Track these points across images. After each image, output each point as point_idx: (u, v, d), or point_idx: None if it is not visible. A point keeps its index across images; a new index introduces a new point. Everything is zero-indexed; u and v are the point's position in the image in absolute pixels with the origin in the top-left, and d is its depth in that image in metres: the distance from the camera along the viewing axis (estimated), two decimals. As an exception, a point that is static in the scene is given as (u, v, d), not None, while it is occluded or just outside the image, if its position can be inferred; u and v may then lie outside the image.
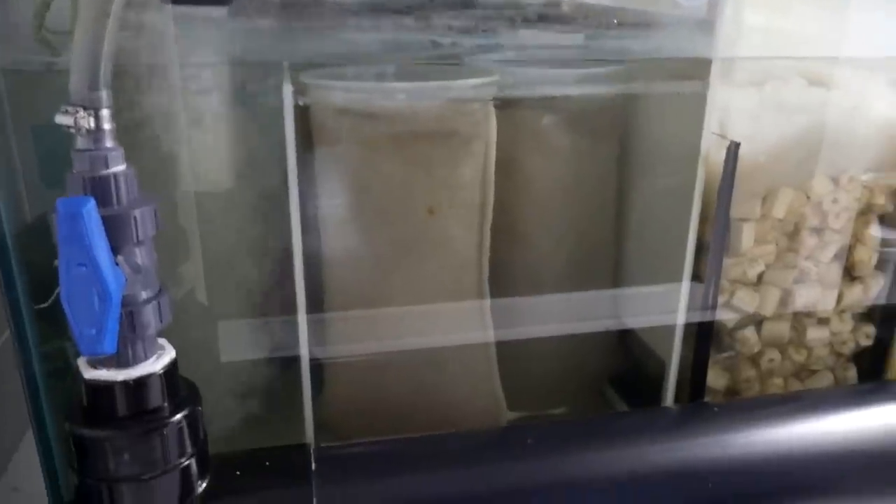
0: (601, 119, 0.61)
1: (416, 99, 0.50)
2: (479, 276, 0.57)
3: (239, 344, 0.57)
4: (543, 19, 0.51)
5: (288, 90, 0.47)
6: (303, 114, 0.52)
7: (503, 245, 0.60)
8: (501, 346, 0.61)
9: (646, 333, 0.65)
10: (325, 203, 0.54)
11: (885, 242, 0.63)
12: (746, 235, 0.58)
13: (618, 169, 0.64)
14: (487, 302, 0.58)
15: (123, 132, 0.40)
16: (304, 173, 0.53)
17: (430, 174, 0.52)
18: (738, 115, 0.59)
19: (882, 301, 0.65)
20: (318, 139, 0.53)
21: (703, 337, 0.60)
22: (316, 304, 0.58)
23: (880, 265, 0.64)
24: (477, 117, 0.52)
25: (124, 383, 0.40)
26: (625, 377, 0.71)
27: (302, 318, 0.52)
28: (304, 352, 0.53)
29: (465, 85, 0.51)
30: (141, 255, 0.40)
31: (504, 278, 0.61)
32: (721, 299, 0.60)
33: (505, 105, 0.55)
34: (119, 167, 0.38)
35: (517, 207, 0.61)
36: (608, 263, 0.67)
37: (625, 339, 0.69)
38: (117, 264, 0.37)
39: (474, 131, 0.53)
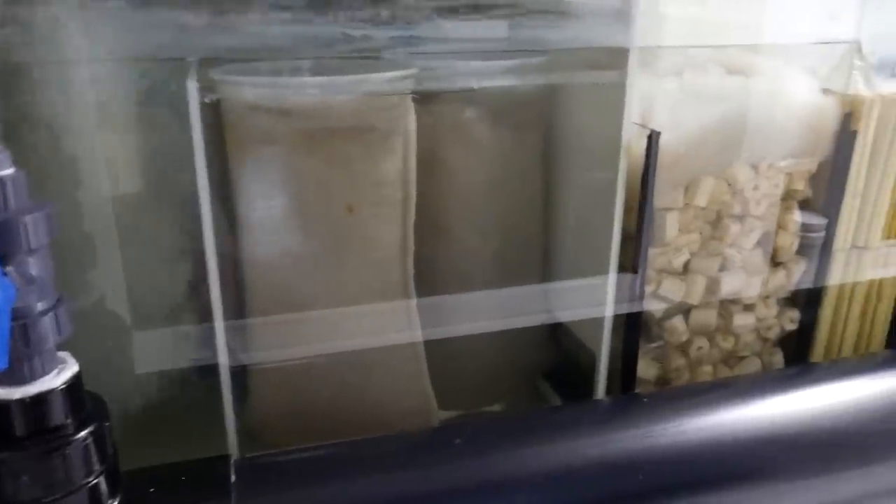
0: (524, 112, 0.60)
1: (330, 93, 0.49)
2: (403, 274, 0.55)
3: (155, 354, 0.55)
4: (463, 11, 0.50)
5: (193, 86, 0.45)
6: (214, 111, 0.50)
7: (429, 242, 0.59)
8: (433, 344, 0.60)
9: (576, 326, 0.65)
10: (241, 204, 0.52)
11: (805, 227, 0.64)
12: (670, 225, 0.59)
13: (543, 162, 0.63)
14: (413, 300, 0.57)
15: (18, 135, 0.37)
16: (219, 173, 0.51)
17: (349, 171, 0.51)
18: (659, 105, 0.59)
19: (805, 286, 0.66)
20: (231, 137, 0.51)
21: (632, 328, 0.60)
22: (237, 308, 0.56)
23: (802, 250, 0.65)
24: (395, 112, 0.51)
25: (21, 401, 0.38)
26: (558, 371, 0.71)
27: (219, 324, 0.50)
28: (224, 359, 0.51)
29: (380, 78, 0.50)
30: (34, 265, 0.37)
31: (431, 275, 0.60)
32: (648, 289, 0.60)
33: (425, 99, 0.54)
34: (5, 171, 0.36)
35: (442, 203, 0.60)
36: (537, 257, 0.66)
37: (556, 333, 0.69)
38: (6, 275, 0.35)
39: (393, 126, 0.51)
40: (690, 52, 0.63)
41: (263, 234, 0.53)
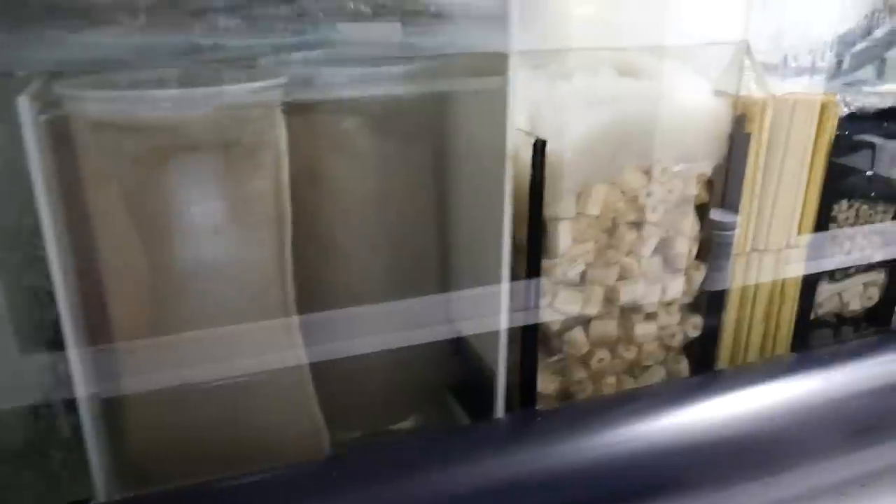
0: (409, 121, 0.58)
1: (185, 107, 0.45)
2: (282, 294, 0.52)
3: (7, 388, 0.51)
4: (326, 15, 0.47)
5: (25, 102, 0.41)
6: (61, 129, 0.46)
7: (314, 260, 0.57)
8: (329, 364, 0.57)
9: (475, 340, 0.63)
10: (99, 228, 0.49)
11: (718, 226, 0.62)
12: (563, 235, 0.57)
13: (433, 172, 0.61)
14: (296, 321, 0.54)
15: None
16: (72, 195, 0.47)
17: (211, 190, 0.47)
18: (548, 109, 0.57)
19: (708, 290, 0.65)
20: (82, 157, 0.47)
21: (529, 341, 0.58)
22: (104, 339, 0.52)
23: (716, 249, 0.64)
24: (261, 124, 0.48)
25: None
26: (462, 386, 0.69)
27: (73, 354, 0.46)
28: (81, 392, 0.47)
29: (241, 90, 0.46)
30: None
31: (319, 295, 0.57)
32: (545, 301, 0.58)
33: (301, 110, 0.51)
34: None
35: (326, 218, 0.57)
36: (432, 271, 0.64)
37: (460, 347, 0.67)
38: None
39: (259, 140, 0.48)
40: (582, 55, 0.61)
41: (126, 259, 0.49)
